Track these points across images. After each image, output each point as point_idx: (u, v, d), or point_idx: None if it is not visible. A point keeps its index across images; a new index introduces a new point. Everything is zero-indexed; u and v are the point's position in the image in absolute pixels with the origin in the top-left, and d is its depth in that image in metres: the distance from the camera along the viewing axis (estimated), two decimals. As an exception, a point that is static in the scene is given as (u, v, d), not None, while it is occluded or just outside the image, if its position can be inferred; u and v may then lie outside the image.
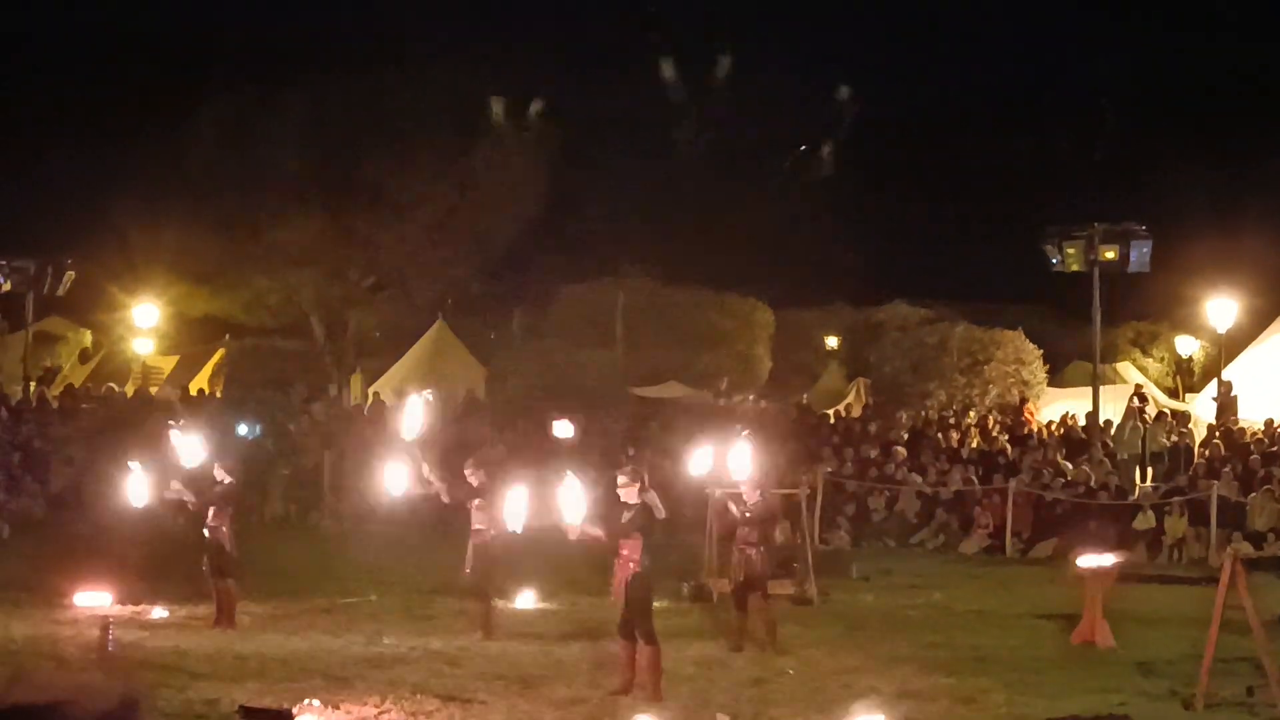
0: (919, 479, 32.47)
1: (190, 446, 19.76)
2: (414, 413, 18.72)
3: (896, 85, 60.01)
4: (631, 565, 15.35)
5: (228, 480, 19.55)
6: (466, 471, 19.17)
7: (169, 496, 19.94)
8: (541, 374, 41.73)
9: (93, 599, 20.00)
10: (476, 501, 18.87)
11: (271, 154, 44.35)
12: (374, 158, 44.39)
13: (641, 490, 15.61)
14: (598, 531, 15.52)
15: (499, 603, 19.17)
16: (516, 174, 46.78)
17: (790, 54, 59.42)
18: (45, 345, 49.93)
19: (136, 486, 19.61)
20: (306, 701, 14.44)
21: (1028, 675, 16.77)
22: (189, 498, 19.68)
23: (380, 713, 14.42)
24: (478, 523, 18.88)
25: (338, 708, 14.48)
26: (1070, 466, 32.63)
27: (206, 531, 19.30)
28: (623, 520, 15.49)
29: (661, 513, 16.15)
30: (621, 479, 15.77)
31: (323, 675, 15.96)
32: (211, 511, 19.29)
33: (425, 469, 18.45)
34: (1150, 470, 34.80)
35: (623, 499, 15.62)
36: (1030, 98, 59.00)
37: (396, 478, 18.58)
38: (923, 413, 39.40)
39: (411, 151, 44.66)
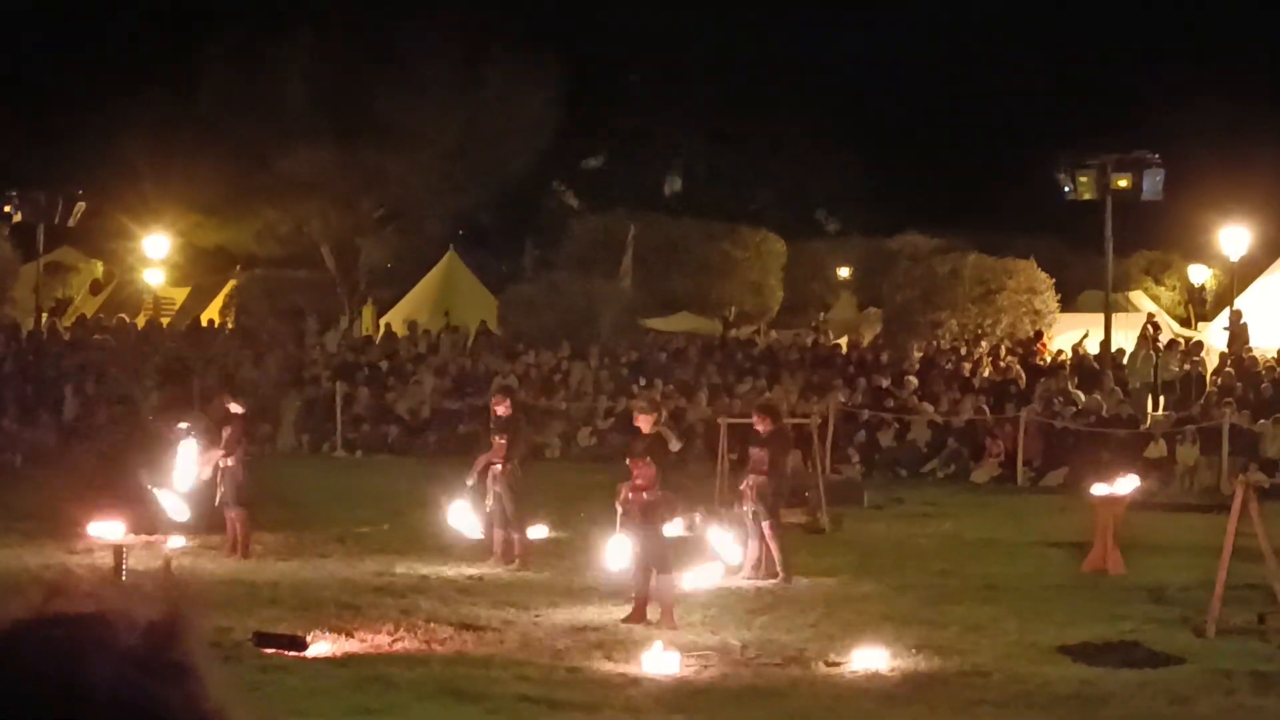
0: (930, 408, 32.48)
1: (188, 463, 19.75)
2: None
3: (910, 14, 59.64)
4: (645, 495, 15.37)
5: (239, 411, 19.59)
6: (494, 402, 19.33)
7: (184, 426, 20.03)
8: (553, 305, 41.72)
9: (106, 529, 20.06)
10: (498, 435, 18.99)
11: (280, 84, 44.21)
12: (383, 87, 44.23)
13: (657, 422, 15.63)
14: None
15: (513, 534, 19.20)
16: (526, 105, 46.62)
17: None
18: (57, 276, 49.98)
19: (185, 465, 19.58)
20: (320, 629, 14.51)
21: (1038, 603, 16.80)
22: (200, 427, 19.78)
23: (393, 640, 14.47)
24: (497, 455, 18.92)
25: (351, 635, 14.53)
26: (1082, 395, 32.62)
27: (219, 462, 19.37)
28: (639, 448, 15.52)
29: (676, 445, 16.19)
30: (640, 405, 15.81)
31: (336, 604, 16.03)
32: (224, 441, 19.36)
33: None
34: (1162, 399, 34.79)
35: (641, 428, 15.65)
36: (1044, 25, 58.61)
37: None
38: (934, 342, 39.36)
39: (420, 81, 44.48)
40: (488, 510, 19.13)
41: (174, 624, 1.44)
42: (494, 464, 18.92)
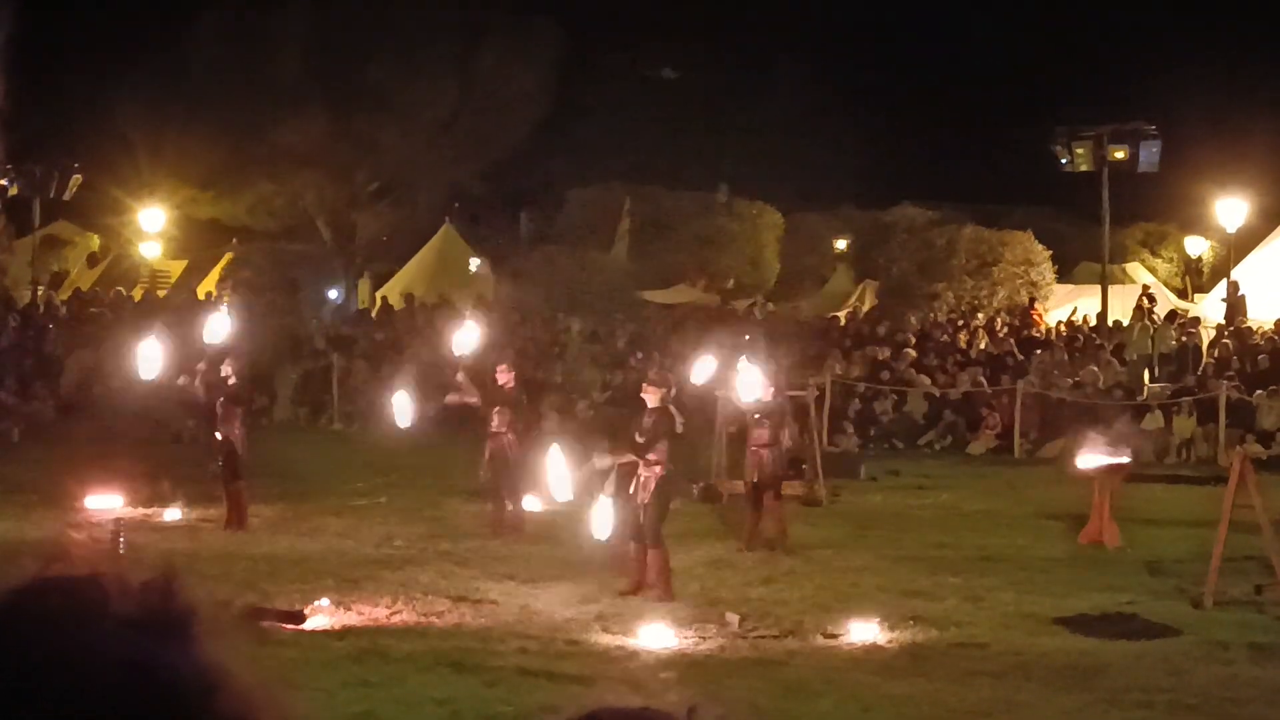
0: (927, 380, 32.48)
1: (217, 323, 19.98)
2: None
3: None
4: (657, 468, 15.36)
5: (233, 380, 19.52)
6: (499, 372, 19.32)
7: (181, 383, 20.02)
8: (549, 278, 41.71)
9: (104, 502, 20.08)
10: (495, 404, 19.02)
11: (274, 56, 44.10)
12: (377, 59, 44.14)
13: (666, 396, 15.61)
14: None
15: (510, 505, 19.24)
16: (521, 77, 46.54)
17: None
18: (53, 250, 49.87)
19: (150, 358, 19.53)
20: (318, 603, 14.53)
21: (1035, 575, 16.84)
22: (197, 390, 19.77)
23: (391, 613, 14.50)
24: (498, 425, 18.96)
25: (349, 609, 14.56)
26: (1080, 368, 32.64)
27: (218, 434, 19.36)
28: (647, 423, 15.48)
29: (680, 422, 16.14)
30: (651, 378, 15.79)
31: (334, 576, 16.04)
32: (221, 413, 19.32)
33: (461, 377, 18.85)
34: (1158, 370, 34.81)
35: (648, 401, 15.61)
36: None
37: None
38: (931, 314, 39.36)
39: (414, 53, 44.39)
40: (482, 482, 19.17)
41: (168, 584, 1.46)
42: (497, 435, 18.95)
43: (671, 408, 15.63)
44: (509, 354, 20.01)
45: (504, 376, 19.28)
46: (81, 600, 1.42)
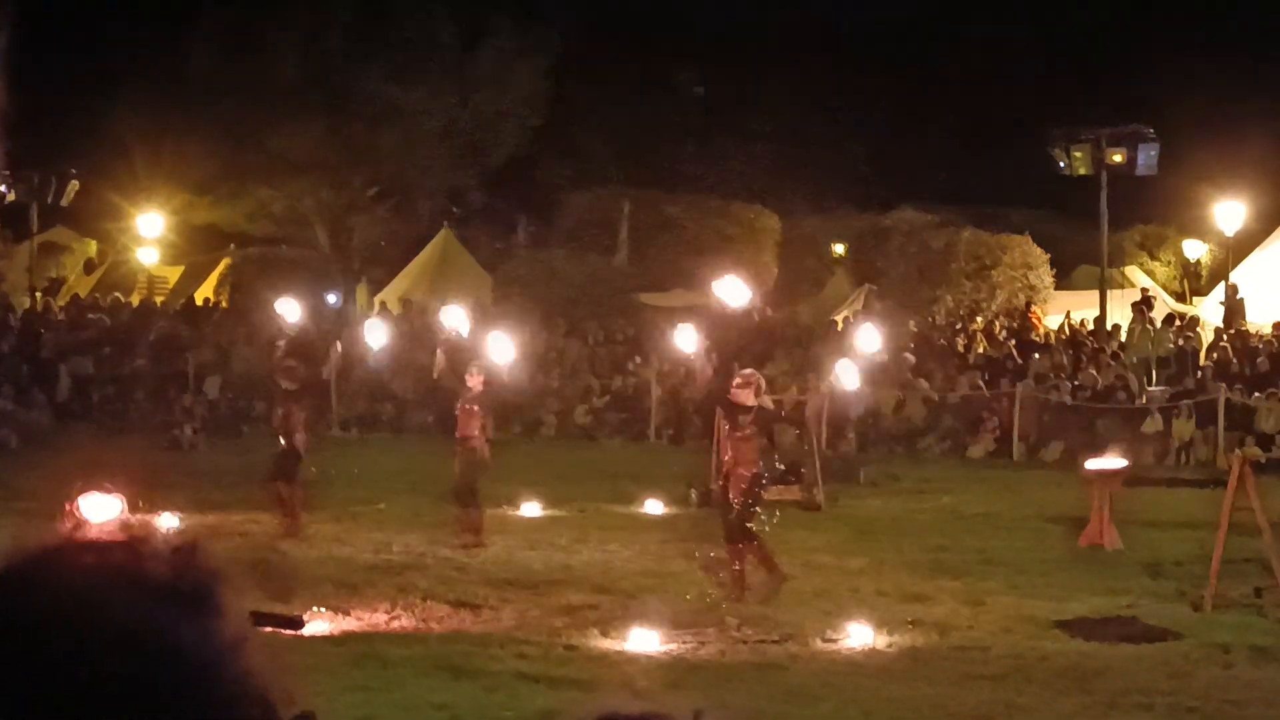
0: (926, 384, 32.46)
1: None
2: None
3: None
4: (752, 467, 15.47)
5: (300, 373, 19.53)
6: (470, 373, 19.13)
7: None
8: (548, 282, 41.69)
9: (102, 506, 20.01)
10: (468, 406, 18.77)
11: (272, 61, 44.09)
12: (375, 65, 44.14)
13: (759, 393, 15.64)
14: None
15: (488, 510, 19.16)
16: (519, 82, 46.54)
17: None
18: (50, 255, 49.86)
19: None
20: (316, 608, 14.51)
21: (1035, 578, 16.81)
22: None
23: (390, 619, 14.48)
24: (466, 428, 18.77)
25: (348, 614, 14.54)
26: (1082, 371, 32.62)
27: (280, 437, 19.39)
28: (742, 421, 15.55)
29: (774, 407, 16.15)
30: (739, 380, 15.82)
31: (332, 582, 16.01)
32: (282, 414, 19.37)
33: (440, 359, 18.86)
34: (1157, 374, 34.78)
35: (739, 401, 15.65)
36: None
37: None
38: (930, 318, 39.34)
39: (412, 59, 44.40)
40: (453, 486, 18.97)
41: (196, 553, 1.49)
42: (466, 439, 18.79)
43: (768, 402, 15.67)
44: (481, 358, 19.81)
45: (474, 380, 19.05)
46: (114, 561, 1.46)
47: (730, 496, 15.56)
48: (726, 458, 15.77)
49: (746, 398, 15.59)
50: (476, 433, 18.75)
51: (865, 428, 31.37)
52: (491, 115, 46.59)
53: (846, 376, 19.33)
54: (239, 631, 1.46)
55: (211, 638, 1.43)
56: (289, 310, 21.35)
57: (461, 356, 19.68)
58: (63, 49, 50.19)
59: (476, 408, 18.80)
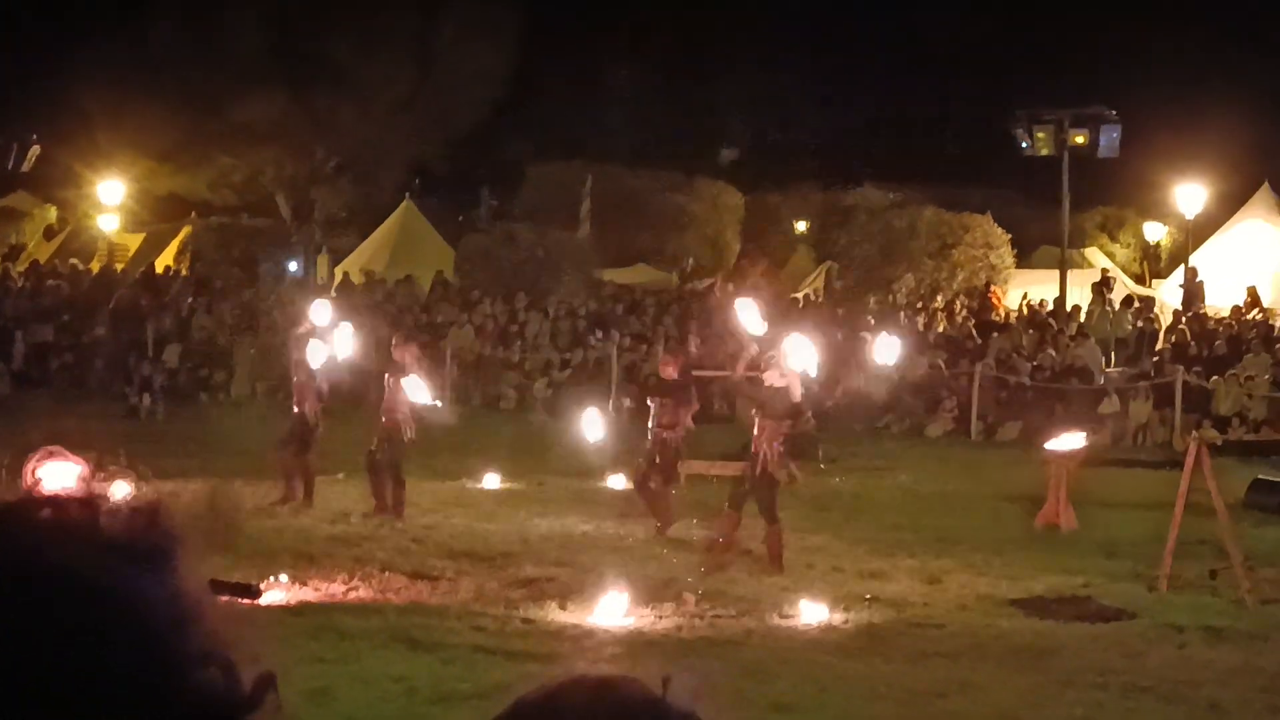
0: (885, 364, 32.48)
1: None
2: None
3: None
4: (778, 444, 15.60)
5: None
6: (394, 347, 18.97)
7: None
8: (510, 255, 41.62)
9: (62, 470, 19.91)
10: (393, 379, 18.58)
11: (233, 31, 43.82)
12: (336, 35, 43.92)
13: (783, 373, 15.66)
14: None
15: (446, 482, 19.09)
16: (481, 53, 46.37)
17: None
18: (10, 221, 49.55)
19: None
20: (274, 578, 14.48)
21: (991, 556, 16.88)
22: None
23: (348, 590, 14.47)
24: (393, 404, 18.61)
25: (305, 584, 14.52)
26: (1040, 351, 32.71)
27: (294, 407, 19.28)
28: (768, 397, 15.68)
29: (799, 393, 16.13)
30: (772, 357, 15.86)
31: (290, 552, 15.98)
32: (298, 385, 19.27)
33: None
34: (1115, 355, 34.94)
35: (766, 381, 15.71)
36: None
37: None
38: (890, 297, 39.41)
39: (374, 29, 44.18)
40: (376, 459, 18.78)
41: (156, 513, 1.49)
42: (392, 413, 18.58)
43: (792, 378, 15.70)
44: (413, 334, 19.55)
45: (398, 353, 18.79)
46: (72, 516, 1.46)
47: (756, 472, 15.68)
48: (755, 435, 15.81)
49: (774, 378, 15.66)
50: (400, 408, 18.52)
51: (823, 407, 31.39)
52: (453, 87, 46.41)
53: (885, 353, 19.72)
54: (199, 592, 1.46)
55: (171, 596, 1.43)
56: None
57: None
58: (23, 14, 49.86)
59: (398, 381, 18.46)
